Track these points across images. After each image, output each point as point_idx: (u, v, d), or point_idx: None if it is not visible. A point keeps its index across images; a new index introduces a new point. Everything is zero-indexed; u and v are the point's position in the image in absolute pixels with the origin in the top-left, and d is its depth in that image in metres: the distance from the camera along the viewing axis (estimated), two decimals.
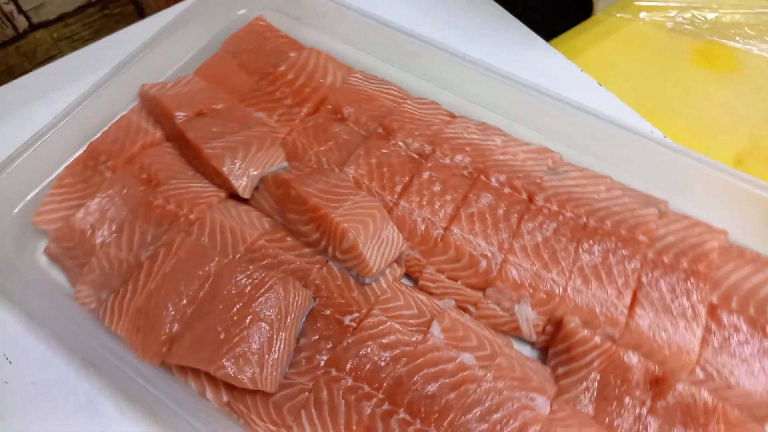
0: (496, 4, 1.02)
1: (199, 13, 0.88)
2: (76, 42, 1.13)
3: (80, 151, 0.79)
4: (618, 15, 1.02)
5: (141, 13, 1.17)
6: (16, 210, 0.76)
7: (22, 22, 1.02)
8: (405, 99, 0.84)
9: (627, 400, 0.61)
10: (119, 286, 0.66)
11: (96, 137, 0.80)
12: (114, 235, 0.71)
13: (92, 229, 0.72)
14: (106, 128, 0.81)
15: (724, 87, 0.90)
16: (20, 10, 1.01)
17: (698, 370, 0.62)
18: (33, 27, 1.05)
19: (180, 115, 0.77)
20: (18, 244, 0.74)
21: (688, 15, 0.97)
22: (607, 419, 0.60)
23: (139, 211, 0.72)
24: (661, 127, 0.84)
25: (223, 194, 0.75)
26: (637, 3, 1.03)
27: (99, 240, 0.72)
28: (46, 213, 0.75)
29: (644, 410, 0.60)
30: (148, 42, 0.84)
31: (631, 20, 1.02)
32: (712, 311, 0.65)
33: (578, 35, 1.01)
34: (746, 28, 0.97)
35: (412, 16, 0.98)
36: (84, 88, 0.80)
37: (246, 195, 0.74)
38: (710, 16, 0.98)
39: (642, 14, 1.02)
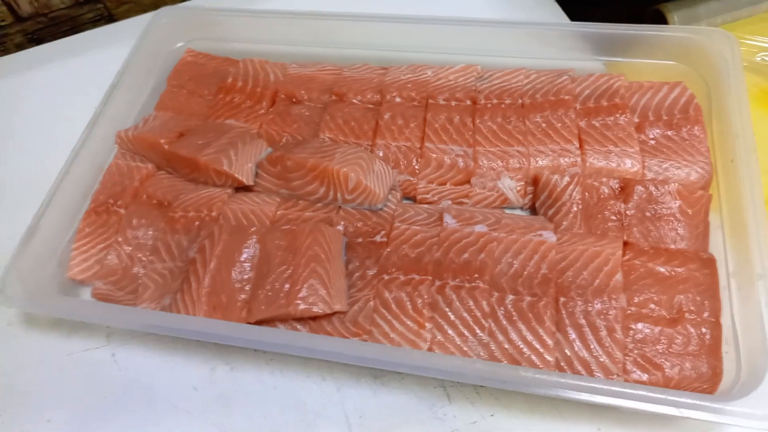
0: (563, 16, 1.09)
1: (139, 57, 0.98)
2: None
3: (86, 204, 0.87)
4: None
5: None
6: (51, 271, 0.82)
7: None
8: (341, 69, 0.98)
9: (606, 210, 0.77)
10: (179, 286, 0.75)
11: (95, 188, 0.88)
12: (152, 255, 0.80)
13: (130, 258, 0.81)
14: (99, 178, 0.89)
15: None
16: None
17: (646, 172, 0.80)
18: None
19: (165, 141, 0.86)
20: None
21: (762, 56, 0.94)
22: (599, 229, 0.76)
23: (165, 228, 0.81)
24: None
25: (229, 190, 0.85)
26: None
27: (141, 264, 0.80)
28: (78, 264, 0.83)
29: (622, 211, 0.76)
30: (106, 97, 0.93)
31: None
32: (639, 128, 0.83)
33: None
34: None
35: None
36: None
37: (251, 182, 0.85)
38: None
39: None
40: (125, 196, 0.86)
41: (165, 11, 1.03)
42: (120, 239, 0.82)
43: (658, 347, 0.69)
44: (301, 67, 1.00)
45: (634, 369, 0.68)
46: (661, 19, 1.08)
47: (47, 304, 0.76)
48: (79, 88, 1.09)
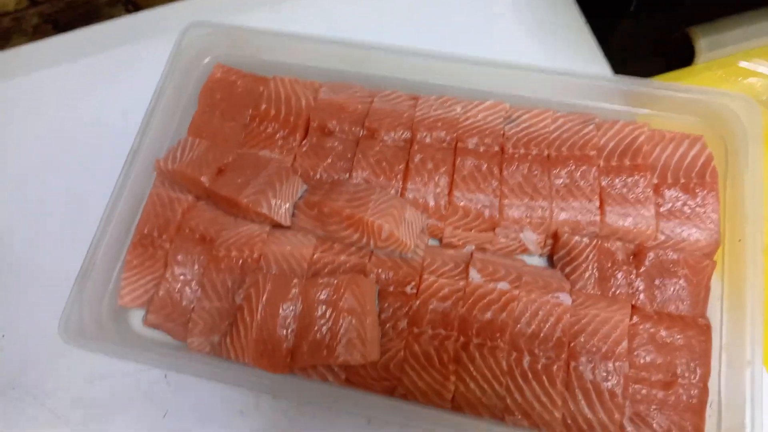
0: (589, 34, 1.09)
1: (173, 76, 0.99)
2: None
3: (129, 234, 0.93)
4: (718, 71, 0.99)
5: None
6: (105, 301, 0.89)
7: None
8: (372, 97, 1.00)
9: (619, 274, 0.84)
10: (227, 328, 0.83)
11: (138, 219, 0.93)
12: (200, 292, 0.87)
13: (180, 294, 0.88)
14: (139, 207, 0.94)
15: None
16: None
17: (660, 236, 0.86)
18: None
19: (205, 179, 0.90)
20: (117, 324, 0.90)
21: None
22: (610, 292, 0.84)
23: (210, 266, 0.88)
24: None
25: (267, 227, 0.91)
26: (741, 65, 1.00)
27: (189, 300, 0.87)
28: (128, 293, 0.90)
29: (633, 276, 0.84)
30: (144, 123, 0.95)
31: (727, 81, 0.98)
32: (656, 190, 0.89)
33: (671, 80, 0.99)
34: None
35: (511, 40, 1.13)
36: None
37: (288, 223, 0.90)
38: None
39: (739, 79, 0.98)
40: (169, 229, 0.91)
41: (195, 25, 1.02)
42: (168, 276, 0.88)
43: (652, 407, 0.79)
44: (331, 91, 1.01)
45: (629, 426, 0.78)
46: (686, 42, 1.10)
47: (108, 348, 0.84)
48: (102, 88, 1.11)
